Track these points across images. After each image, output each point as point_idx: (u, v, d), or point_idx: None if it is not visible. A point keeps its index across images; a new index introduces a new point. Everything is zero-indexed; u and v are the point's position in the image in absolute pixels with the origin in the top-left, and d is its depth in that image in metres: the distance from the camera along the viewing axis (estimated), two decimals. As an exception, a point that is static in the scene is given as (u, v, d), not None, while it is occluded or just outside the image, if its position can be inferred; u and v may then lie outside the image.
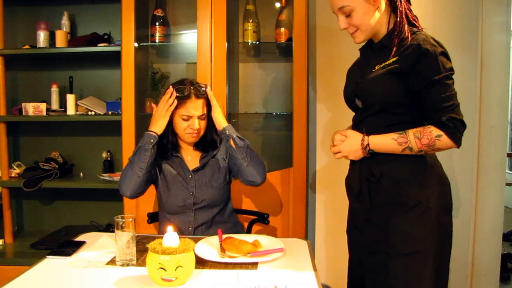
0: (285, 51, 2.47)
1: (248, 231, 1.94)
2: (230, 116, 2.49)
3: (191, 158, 1.76)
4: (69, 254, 1.38)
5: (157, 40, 2.37)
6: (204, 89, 1.70)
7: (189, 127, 1.66)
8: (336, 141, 1.44)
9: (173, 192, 1.70)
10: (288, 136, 2.35)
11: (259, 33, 2.43)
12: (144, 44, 2.41)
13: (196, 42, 2.18)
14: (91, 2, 2.57)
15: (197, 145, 1.75)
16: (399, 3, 1.37)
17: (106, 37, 2.48)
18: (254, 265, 1.30)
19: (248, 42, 2.40)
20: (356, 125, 1.47)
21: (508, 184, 2.69)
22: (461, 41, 2.02)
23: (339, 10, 1.37)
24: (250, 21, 2.37)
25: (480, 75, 2.04)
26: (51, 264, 1.32)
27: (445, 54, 1.30)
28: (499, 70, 2.08)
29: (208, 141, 1.76)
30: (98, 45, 2.38)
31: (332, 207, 2.42)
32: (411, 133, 1.31)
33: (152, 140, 1.62)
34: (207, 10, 2.15)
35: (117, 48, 2.27)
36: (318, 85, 2.44)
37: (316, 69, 2.42)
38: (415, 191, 1.34)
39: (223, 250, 1.39)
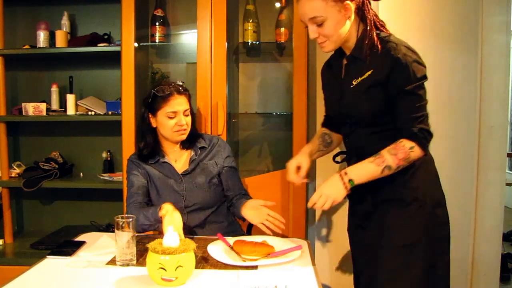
0: (285, 51, 2.47)
1: (248, 231, 1.93)
2: (230, 116, 2.49)
3: (179, 160, 1.76)
4: (69, 254, 1.38)
5: (157, 40, 2.37)
6: (183, 85, 1.72)
7: (177, 124, 1.66)
8: (315, 197, 1.35)
9: (163, 197, 1.69)
10: (288, 136, 2.35)
11: (259, 33, 2.43)
12: (144, 44, 2.41)
13: (196, 42, 2.18)
14: (91, 2, 2.57)
15: (183, 143, 1.74)
16: (367, 11, 1.36)
17: (106, 37, 2.48)
18: (254, 265, 1.29)
19: (248, 42, 2.40)
20: (347, 137, 1.50)
21: (508, 184, 2.68)
22: (461, 41, 2.01)
23: (311, 20, 1.34)
24: (250, 21, 2.37)
25: (480, 75, 2.04)
26: (51, 264, 1.32)
27: (417, 61, 1.31)
28: (499, 70, 2.07)
29: (192, 135, 1.75)
30: (98, 45, 2.38)
31: (332, 207, 2.42)
32: (385, 152, 1.32)
33: (157, 226, 1.54)
34: (207, 10, 2.15)
35: (117, 48, 2.27)
36: (318, 85, 2.43)
37: (316, 69, 2.42)
38: (413, 188, 1.38)
39: (237, 253, 1.37)
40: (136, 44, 2.23)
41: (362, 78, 1.35)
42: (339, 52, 1.47)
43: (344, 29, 1.35)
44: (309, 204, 1.36)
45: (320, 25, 1.34)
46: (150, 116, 1.70)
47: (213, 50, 2.17)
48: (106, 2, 2.54)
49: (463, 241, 2.09)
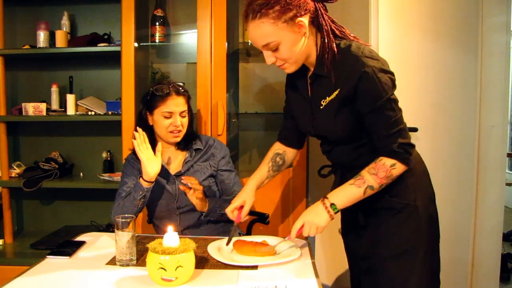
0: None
1: (248, 231, 1.94)
2: (230, 116, 2.49)
3: (174, 160, 1.75)
4: (69, 254, 1.38)
5: (157, 40, 2.37)
6: (183, 86, 1.71)
7: (172, 124, 1.66)
8: (297, 225, 1.32)
9: (156, 197, 1.68)
10: (288, 136, 2.34)
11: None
12: (144, 44, 2.41)
13: (196, 42, 2.18)
14: (91, 2, 2.57)
15: (178, 144, 1.74)
16: (322, 20, 1.25)
17: (106, 37, 2.48)
18: (254, 265, 1.29)
19: (248, 42, 2.40)
20: (328, 154, 1.46)
21: (508, 184, 2.68)
22: (461, 41, 2.02)
23: (264, 47, 1.25)
24: (250, 21, 2.36)
25: (480, 75, 2.04)
26: (51, 264, 1.32)
27: (383, 69, 1.23)
28: (499, 70, 2.07)
29: (188, 136, 1.74)
30: (98, 45, 2.38)
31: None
32: (365, 172, 1.28)
33: (141, 192, 1.59)
34: (207, 10, 2.16)
35: (117, 48, 2.27)
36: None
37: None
38: (401, 194, 1.35)
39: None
40: (136, 44, 2.23)
41: (330, 98, 1.29)
42: (301, 68, 1.35)
43: (302, 47, 1.25)
44: (292, 235, 1.32)
45: (275, 50, 1.25)
46: (147, 113, 1.70)
47: (213, 50, 2.17)
48: (106, 2, 2.54)
49: (463, 241, 2.09)
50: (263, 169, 1.55)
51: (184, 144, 1.74)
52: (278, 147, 1.60)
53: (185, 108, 1.69)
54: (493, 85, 2.07)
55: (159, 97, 1.65)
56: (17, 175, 2.51)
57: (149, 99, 1.68)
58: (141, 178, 1.59)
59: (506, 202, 2.34)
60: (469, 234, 2.10)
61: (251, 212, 2.03)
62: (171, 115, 1.66)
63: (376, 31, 1.91)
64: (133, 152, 1.75)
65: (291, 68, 1.31)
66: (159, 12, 2.36)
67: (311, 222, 1.29)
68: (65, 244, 1.47)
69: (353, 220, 1.47)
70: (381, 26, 1.91)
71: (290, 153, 1.59)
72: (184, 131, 1.70)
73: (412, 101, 1.95)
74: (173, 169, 1.73)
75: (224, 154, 1.79)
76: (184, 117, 1.69)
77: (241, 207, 1.47)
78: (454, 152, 2.05)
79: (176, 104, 1.66)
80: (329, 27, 1.27)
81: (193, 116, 1.78)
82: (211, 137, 1.86)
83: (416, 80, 1.96)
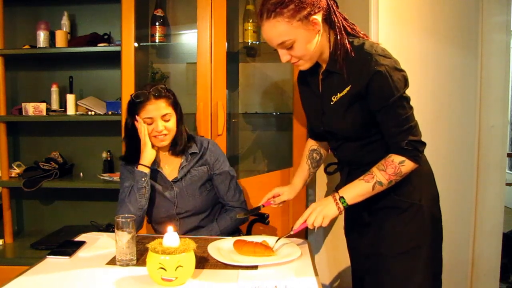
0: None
1: (248, 231, 1.94)
2: (230, 116, 2.49)
3: (170, 166, 1.72)
4: (69, 254, 1.38)
5: (157, 40, 2.37)
6: (164, 88, 1.63)
7: (154, 130, 1.60)
8: (306, 214, 1.35)
9: (155, 204, 1.67)
10: (288, 136, 2.35)
11: (259, 33, 2.43)
12: (144, 44, 2.41)
13: (196, 42, 2.18)
14: (91, 2, 2.57)
15: (173, 149, 1.68)
16: (335, 17, 1.28)
17: (106, 37, 2.48)
18: (254, 265, 1.29)
19: (248, 42, 2.40)
20: (335, 151, 1.47)
21: (508, 184, 2.68)
22: (461, 41, 2.01)
23: (279, 45, 1.27)
24: (250, 21, 2.37)
25: (480, 75, 2.04)
26: (51, 264, 1.32)
27: (396, 68, 1.25)
28: (499, 70, 2.07)
29: (179, 139, 1.68)
30: (98, 45, 2.38)
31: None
32: (375, 168, 1.30)
33: (144, 178, 1.58)
34: (207, 10, 2.15)
35: (117, 48, 2.27)
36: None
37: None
38: (407, 193, 1.36)
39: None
40: (136, 44, 2.23)
41: (341, 94, 1.30)
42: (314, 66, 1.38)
43: (317, 44, 1.28)
44: (298, 223, 1.36)
45: (290, 48, 1.26)
46: (133, 121, 1.65)
47: (213, 50, 2.17)
48: (106, 2, 2.54)
49: (463, 241, 2.09)
50: (304, 168, 1.62)
51: (177, 148, 1.68)
52: (311, 144, 1.64)
53: (167, 111, 1.61)
54: (493, 85, 2.07)
55: (139, 103, 1.59)
56: (17, 175, 2.51)
57: (131, 107, 1.63)
58: (139, 166, 1.60)
59: (506, 202, 2.34)
60: (469, 234, 2.09)
61: (251, 212, 2.03)
62: (152, 121, 1.59)
63: (376, 31, 1.91)
64: (123, 159, 1.73)
65: (305, 65, 1.33)
66: (159, 12, 2.36)
67: (319, 211, 1.31)
68: (65, 244, 1.47)
69: (357, 219, 1.47)
70: (381, 26, 1.91)
71: (324, 146, 1.64)
72: (171, 134, 1.63)
73: (412, 101, 1.94)
74: (170, 175, 1.70)
75: (219, 156, 1.74)
76: (168, 120, 1.61)
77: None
78: (454, 152, 2.04)
79: (156, 108, 1.58)
80: (341, 23, 1.29)
81: (182, 117, 1.70)
82: (206, 139, 1.80)
83: (416, 80, 1.95)
